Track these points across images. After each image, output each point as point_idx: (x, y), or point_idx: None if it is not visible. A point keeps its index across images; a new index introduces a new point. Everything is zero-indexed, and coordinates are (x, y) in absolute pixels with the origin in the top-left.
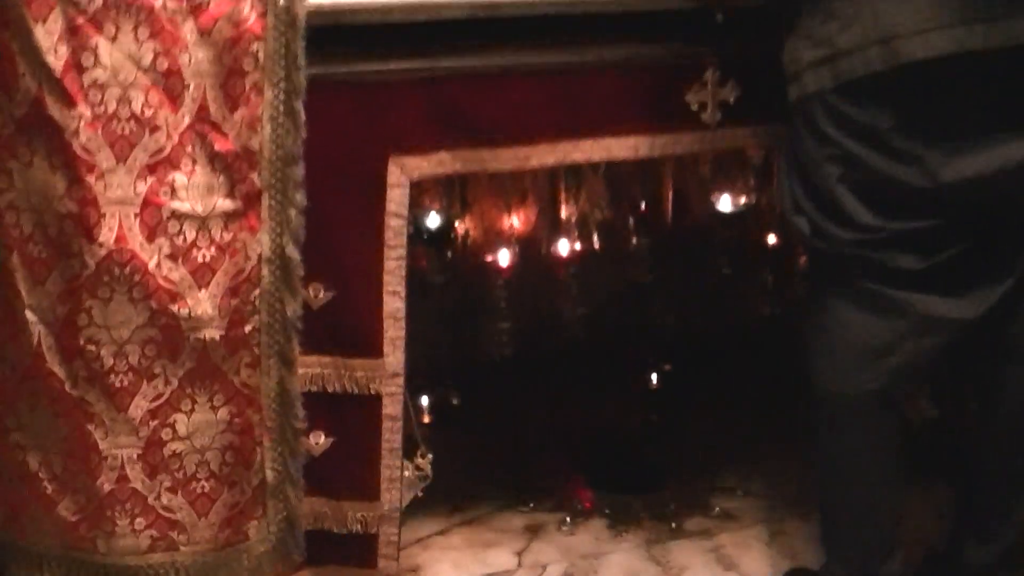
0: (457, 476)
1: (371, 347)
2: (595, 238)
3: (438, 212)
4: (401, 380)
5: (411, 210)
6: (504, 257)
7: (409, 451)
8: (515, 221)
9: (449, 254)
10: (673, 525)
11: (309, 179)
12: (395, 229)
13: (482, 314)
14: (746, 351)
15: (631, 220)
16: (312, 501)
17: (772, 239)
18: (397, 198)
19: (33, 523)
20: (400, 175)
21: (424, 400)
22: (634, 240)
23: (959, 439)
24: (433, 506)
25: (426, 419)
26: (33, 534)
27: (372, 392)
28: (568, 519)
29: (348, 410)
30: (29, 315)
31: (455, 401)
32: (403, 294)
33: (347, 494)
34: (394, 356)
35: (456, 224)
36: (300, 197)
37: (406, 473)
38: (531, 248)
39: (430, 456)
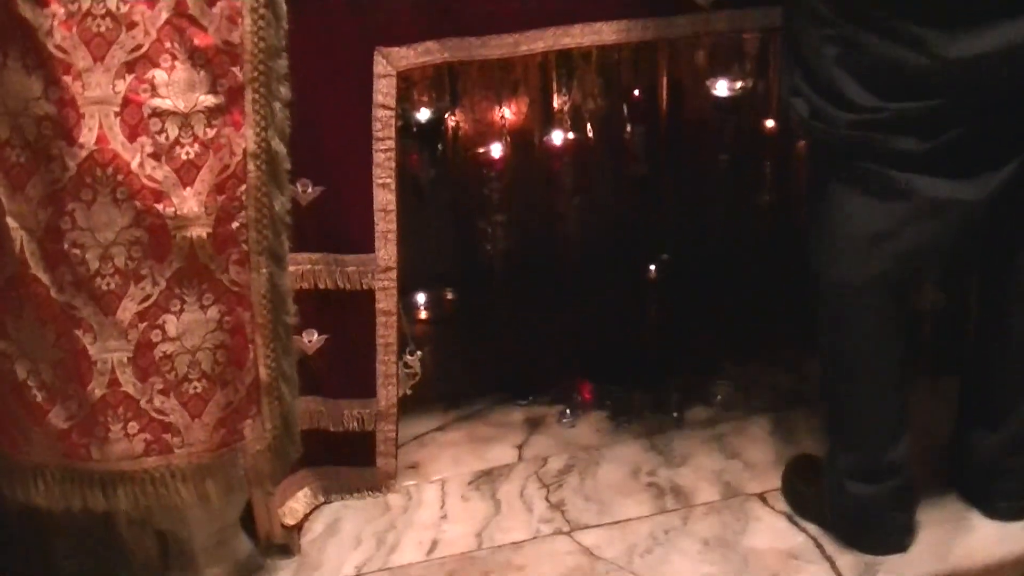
0: (454, 374)
1: (362, 242)
2: (589, 129)
3: (428, 106)
4: (394, 274)
5: (401, 105)
6: (496, 150)
7: (399, 349)
8: (507, 113)
9: (440, 148)
10: (675, 415)
11: (294, 72)
12: (383, 121)
13: (476, 209)
14: (746, 242)
15: (625, 110)
16: (307, 401)
17: (771, 125)
18: (384, 89)
19: (24, 434)
20: (386, 65)
21: (419, 297)
22: (629, 130)
23: (966, 329)
24: (430, 404)
25: (422, 315)
26: (24, 445)
27: (364, 287)
28: (568, 412)
29: (341, 307)
30: (10, 222)
31: (449, 296)
32: (393, 187)
33: (342, 392)
34: (386, 250)
35: (447, 118)
36: (284, 91)
37: (397, 371)
38: (524, 141)
39: (419, 353)
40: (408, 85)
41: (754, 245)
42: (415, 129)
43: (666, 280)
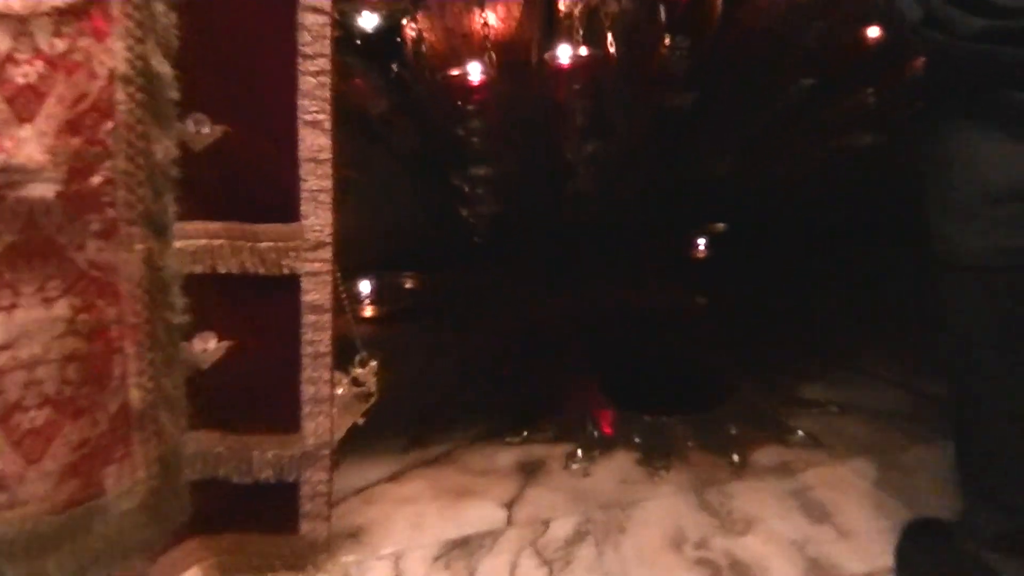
0: (417, 394)
1: (282, 206)
2: (609, 41)
3: (377, 8)
4: (329, 253)
5: (338, 6)
6: (476, 72)
7: (344, 359)
8: (491, 19)
9: (396, 69)
10: (735, 458)
11: None
12: (313, 30)
13: (447, 158)
14: (833, 203)
15: (662, 14)
16: (200, 437)
17: (873, 36)
18: None
19: None
20: None
21: (364, 286)
22: (667, 43)
23: None
24: (382, 440)
25: (367, 311)
26: None
27: (285, 272)
28: (579, 453)
29: (251, 300)
30: None
31: (409, 284)
32: (328, 125)
33: (252, 425)
34: (317, 218)
35: (404, 25)
36: None
37: (339, 391)
38: (516, 59)
39: (374, 364)
40: None
41: (848, 207)
42: (360, 42)
43: (720, 259)
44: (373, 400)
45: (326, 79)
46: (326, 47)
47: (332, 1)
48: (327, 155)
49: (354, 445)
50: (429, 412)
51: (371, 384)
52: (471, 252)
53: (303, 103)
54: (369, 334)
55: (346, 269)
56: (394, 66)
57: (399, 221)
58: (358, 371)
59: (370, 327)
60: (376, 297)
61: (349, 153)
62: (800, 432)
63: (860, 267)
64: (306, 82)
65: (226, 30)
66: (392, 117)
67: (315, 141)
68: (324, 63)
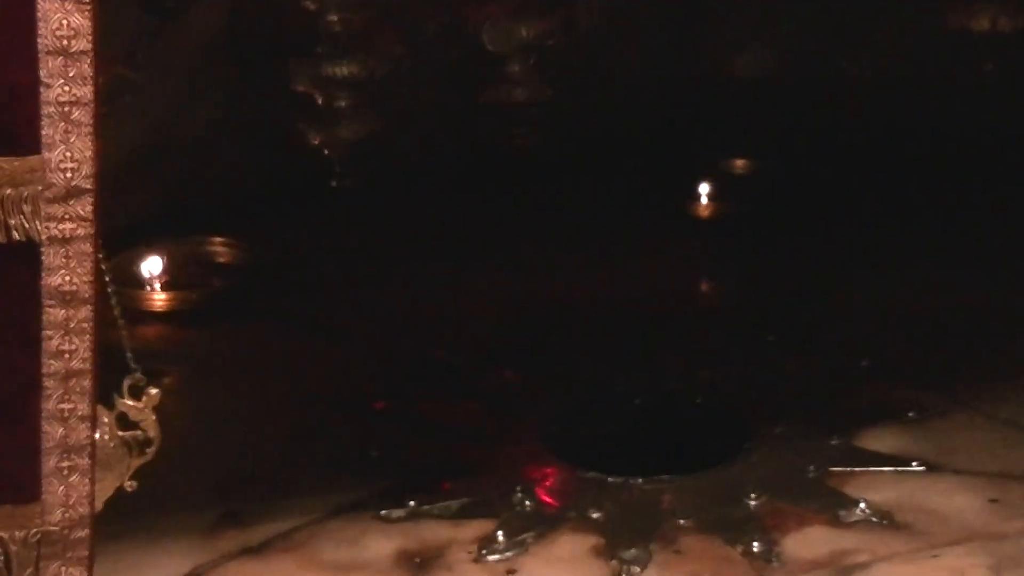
0: (234, 441)
1: (9, 128)
2: None
3: None
4: (89, 205)
5: None
6: None
7: (97, 383)
8: None
9: None
10: (755, 547)
11: None
12: None
13: (284, 45)
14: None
15: None
16: None
17: None
18: None
19: None
20: None
21: (153, 263)
22: None
23: None
24: (179, 515)
25: (158, 303)
26: None
27: (15, 236)
28: (501, 536)
29: None
30: None
31: (223, 259)
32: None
33: None
34: (68, 148)
35: None
36: None
37: (102, 436)
38: None
39: (154, 392)
40: None
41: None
42: None
43: (742, 218)
44: (153, 449)
45: None
46: None
47: None
48: (86, 44)
49: (135, 523)
50: (255, 469)
51: (150, 425)
52: (327, 204)
53: None
54: (158, 341)
55: (118, 234)
56: None
57: (206, 153)
58: (130, 403)
59: (161, 329)
60: (172, 279)
61: (123, 41)
62: (863, 505)
63: (966, 239)
64: None
65: None
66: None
67: (64, 20)
68: None
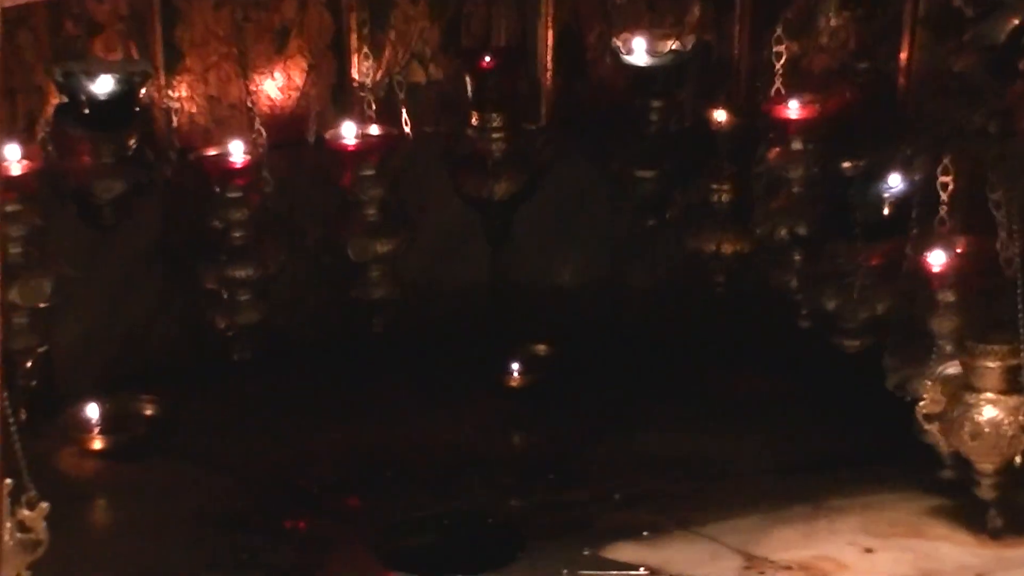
0: (135, 547)
1: None
2: (405, 116)
3: (113, 71)
4: None
5: (70, 64)
6: (239, 151)
7: (11, 497)
8: (266, 87)
9: (136, 146)
10: None
11: None
12: None
13: (201, 257)
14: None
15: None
16: None
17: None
18: None
19: None
20: None
21: (92, 410)
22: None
23: None
24: None
25: (97, 444)
26: None
27: None
28: None
29: None
30: None
31: (148, 411)
32: None
33: None
34: None
35: (145, 91)
36: None
37: (3, 537)
38: (292, 136)
39: (44, 505)
40: (86, 29)
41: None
42: (87, 110)
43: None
44: (42, 549)
45: None
46: None
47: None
48: None
49: None
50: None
51: (39, 530)
52: (228, 371)
53: None
54: (94, 471)
55: (67, 388)
56: (132, 141)
57: (138, 332)
58: (25, 513)
59: (97, 462)
60: (106, 425)
61: (72, 246)
62: None
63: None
64: None
65: None
66: (134, 203)
67: None
68: None
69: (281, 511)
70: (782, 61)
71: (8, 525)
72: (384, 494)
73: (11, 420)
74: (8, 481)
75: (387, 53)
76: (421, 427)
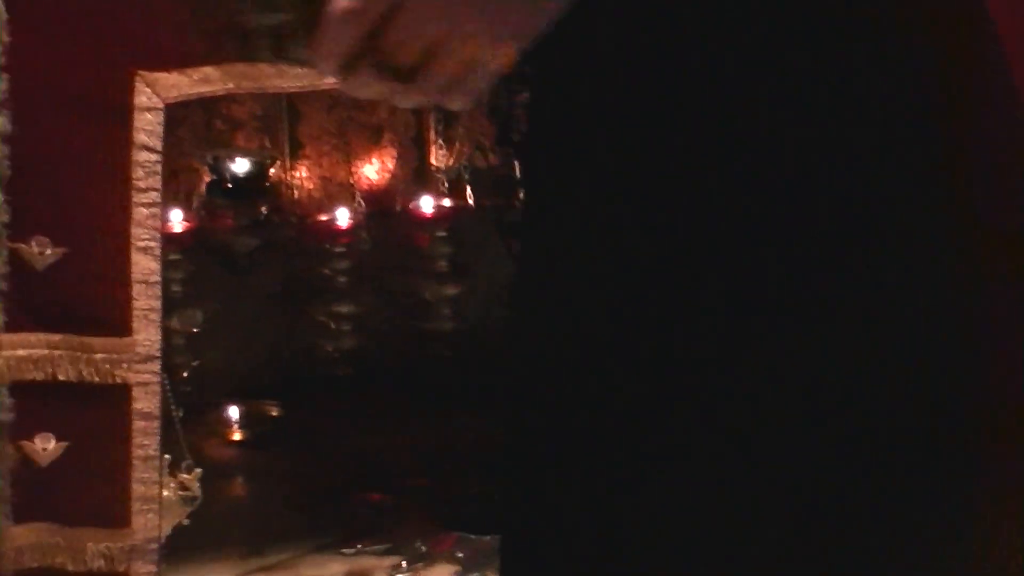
0: (263, 509)
1: (115, 322)
2: (469, 192)
3: (250, 155)
4: (157, 366)
5: (212, 150)
6: (343, 217)
7: (163, 465)
8: (368, 170)
9: (265, 212)
10: None
11: (20, 98)
12: (145, 166)
13: (312, 295)
14: None
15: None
16: (37, 529)
17: None
18: (147, 126)
19: None
20: (151, 96)
21: (232, 412)
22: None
23: None
24: (222, 548)
25: (235, 435)
26: None
27: (117, 381)
28: (404, 563)
29: (86, 405)
30: None
31: (274, 412)
32: (158, 252)
33: (86, 518)
34: (147, 334)
35: (272, 171)
36: (2, 120)
37: (165, 493)
38: (383, 206)
39: (198, 471)
40: (232, 127)
41: None
42: (230, 185)
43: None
44: (196, 503)
45: (157, 210)
46: (157, 183)
47: (163, 141)
48: (156, 278)
49: (200, 549)
50: (275, 526)
51: (195, 489)
52: (332, 385)
53: (135, 231)
54: (233, 457)
55: (213, 395)
56: (263, 208)
57: (266, 352)
58: (184, 476)
59: (235, 451)
60: (242, 422)
61: (217, 287)
62: None
63: None
64: (138, 212)
65: (64, 163)
66: (260, 255)
67: (146, 265)
68: (155, 196)
69: (370, 488)
70: None
71: (173, 485)
72: (447, 477)
73: (173, 416)
74: (167, 456)
75: (456, 145)
76: (473, 429)
